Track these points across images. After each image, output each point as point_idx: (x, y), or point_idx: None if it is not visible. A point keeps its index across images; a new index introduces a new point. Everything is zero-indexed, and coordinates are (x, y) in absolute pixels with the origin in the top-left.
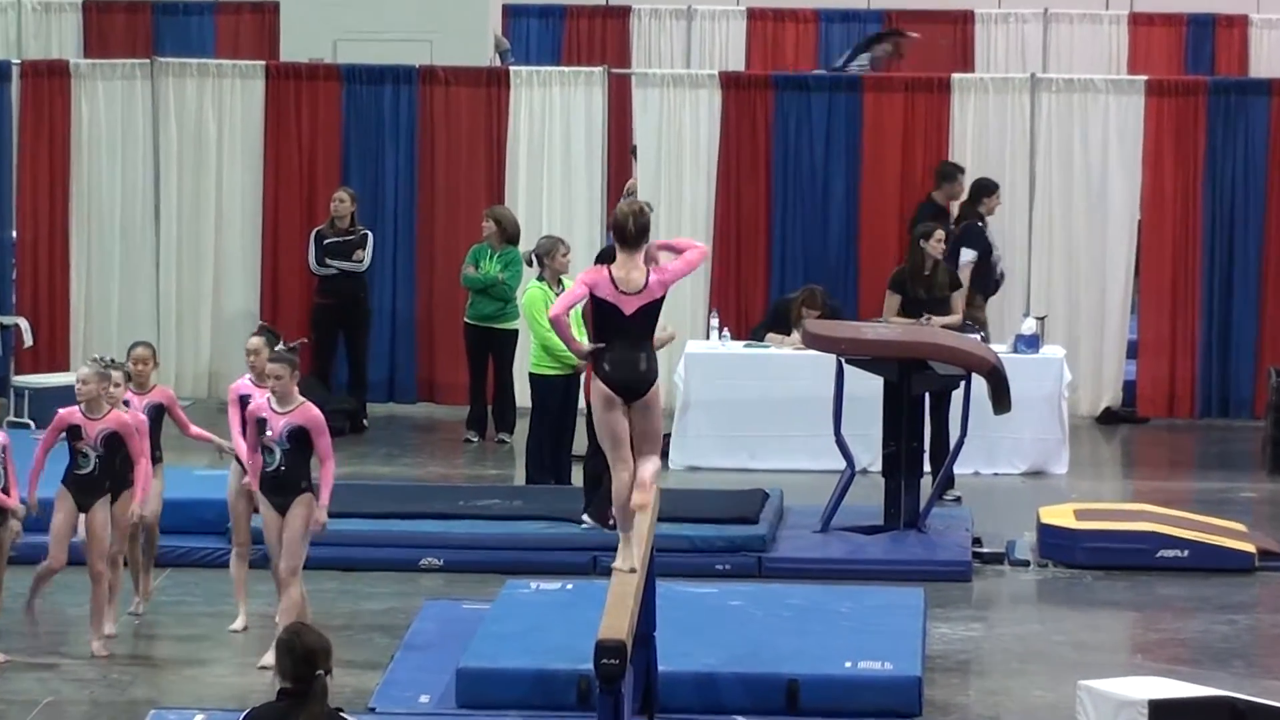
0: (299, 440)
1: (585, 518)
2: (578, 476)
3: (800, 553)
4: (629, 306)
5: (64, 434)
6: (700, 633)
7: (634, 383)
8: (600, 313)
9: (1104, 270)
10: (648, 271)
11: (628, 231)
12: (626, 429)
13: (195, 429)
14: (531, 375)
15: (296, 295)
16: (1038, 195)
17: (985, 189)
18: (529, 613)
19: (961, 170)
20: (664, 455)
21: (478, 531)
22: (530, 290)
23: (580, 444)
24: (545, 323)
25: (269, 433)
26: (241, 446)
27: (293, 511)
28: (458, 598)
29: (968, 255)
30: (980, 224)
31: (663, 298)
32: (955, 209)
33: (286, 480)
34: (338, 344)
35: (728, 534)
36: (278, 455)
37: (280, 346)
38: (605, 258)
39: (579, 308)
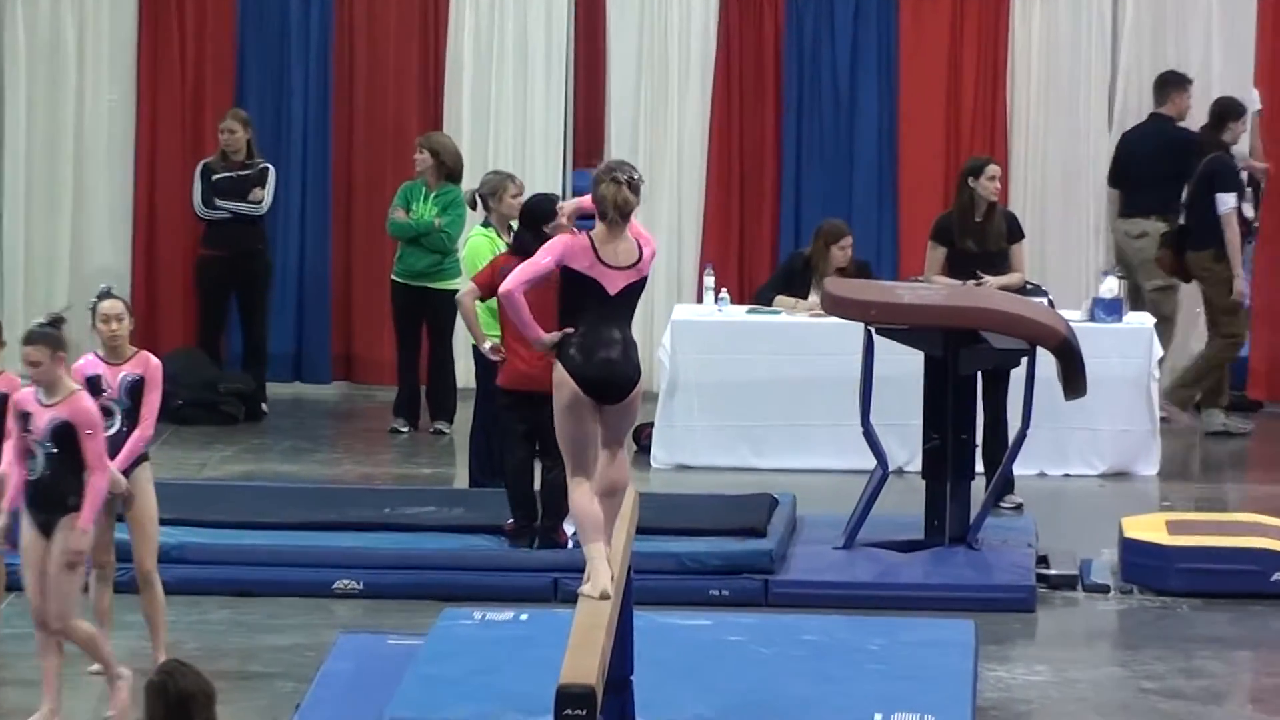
0: (66, 441)
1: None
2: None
3: (818, 574)
4: (614, 284)
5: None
6: (691, 676)
7: (614, 381)
8: (573, 290)
9: None
10: (638, 243)
11: (610, 216)
12: (596, 435)
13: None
14: (476, 349)
15: (178, 246)
16: (1117, 118)
17: (1232, 111)
18: (472, 650)
19: (1189, 80)
20: (646, 450)
21: (407, 547)
22: (473, 239)
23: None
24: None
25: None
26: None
27: (57, 537)
28: (381, 630)
29: (1227, 201)
30: (1230, 156)
31: (647, 278)
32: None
33: (51, 493)
34: (230, 308)
35: (726, 550)
36: (40, 459)
37: (39, 321)
38: (520, 246)
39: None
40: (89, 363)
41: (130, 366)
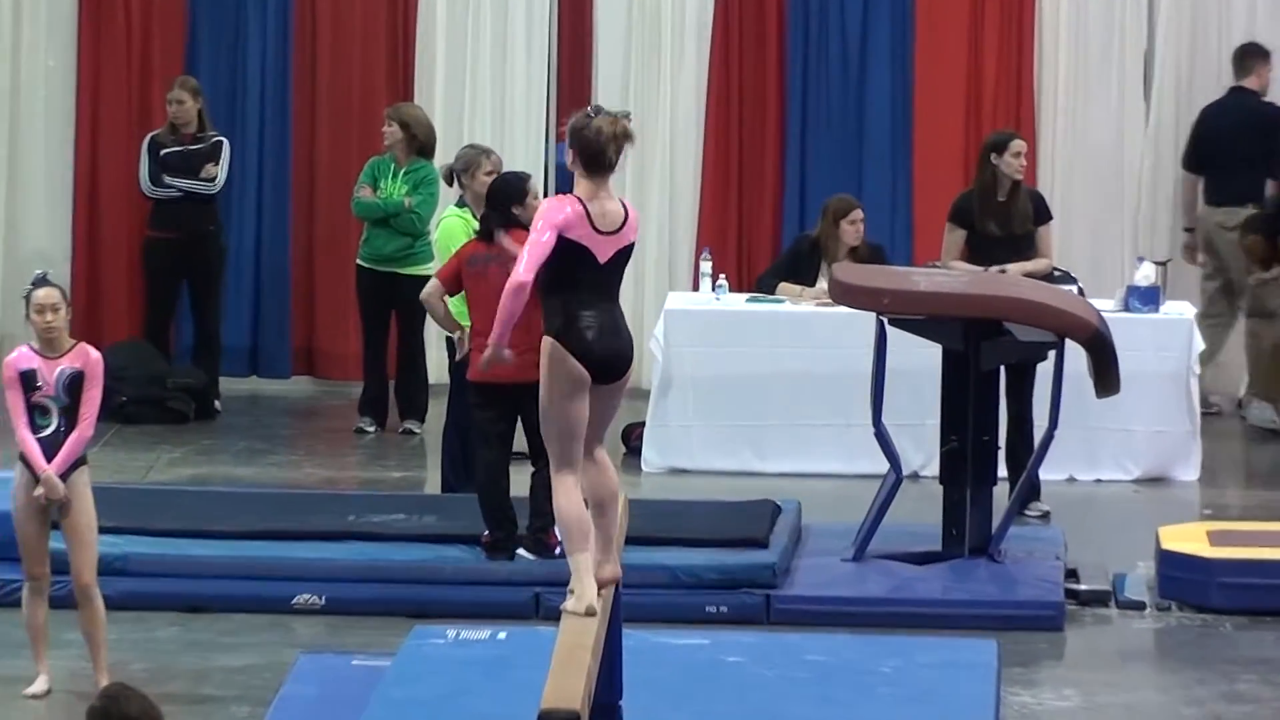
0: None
1: (521, 551)
2: (522, 484)
3: (825, 589)
4: (604, 251)
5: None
6: (686, 701)
7: (618, 356)
8: (563, 261)
9: None
10: (623, 203)
11: (606, 159)
12: (586, 422)
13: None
14: (450, 340)
15: (122, 227)
16: (1155, 86)
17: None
18: (444, 671)
19: (1268, 51)
20: (636, 452)
21: (374, 558)
22: (446, 220)
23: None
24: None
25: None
26: (29, 442)
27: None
28: (345, 650)
29: None
30: None
31: (634, 244)
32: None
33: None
34: (179, 295)
35: (724, 563)
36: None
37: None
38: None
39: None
40: (22, 356)
41: (68, 360)
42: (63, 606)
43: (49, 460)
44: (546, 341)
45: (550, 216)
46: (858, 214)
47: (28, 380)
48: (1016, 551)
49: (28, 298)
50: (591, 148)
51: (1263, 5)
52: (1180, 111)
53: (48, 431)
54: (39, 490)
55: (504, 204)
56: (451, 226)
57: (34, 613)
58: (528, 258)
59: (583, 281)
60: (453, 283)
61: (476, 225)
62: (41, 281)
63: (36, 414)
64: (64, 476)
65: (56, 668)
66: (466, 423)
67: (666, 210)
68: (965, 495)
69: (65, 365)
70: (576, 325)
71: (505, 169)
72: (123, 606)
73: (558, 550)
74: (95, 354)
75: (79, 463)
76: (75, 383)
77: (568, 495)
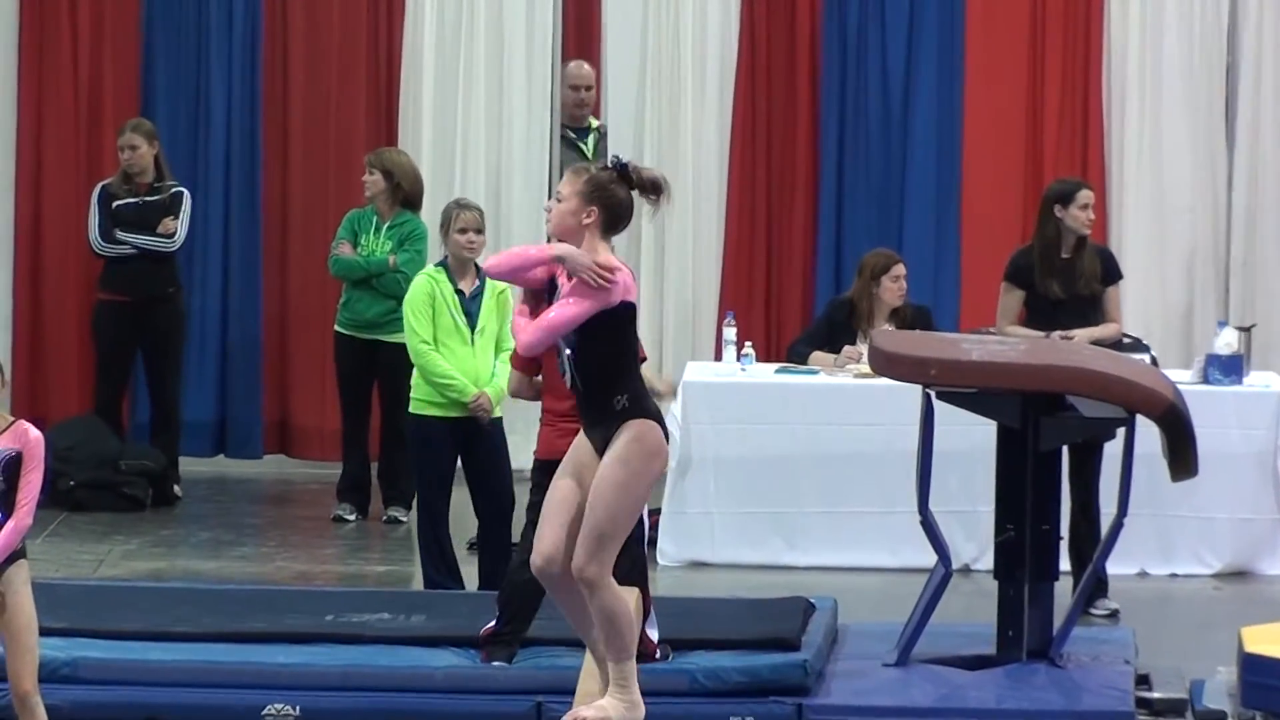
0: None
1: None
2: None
3: (864, 698)
4: None
5: None
6: None
7: None
8: (632, 328)
9: None
10: None
11: (627, 224)
12: None
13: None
14: (411, 417)
15: (69, 288)
16: (1240, 130)
17: None
18: None
19: None
20: (652, 543)
21: (355, 663)
22: (415, 281)
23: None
24: (421, 332)
25: None
26: None
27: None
28: None
29: None
30: None
31: None
32: None
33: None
34: (135, 366)
35: (751, 666)
36: None
37: None
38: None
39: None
40: None
41: (4, 441)
42: (1, 717)
43: None
44: (647, 425)
45: (625, 278)
46: (899, 269)
47: None
48: (1081, 655)
49: None
50: (620, 209)
51: None
52: (1265, 154)
53: None
54: None
55: None
56: (415, 290)
57: None
58: (574, 315)
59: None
60: (529, 362)
61: (445, 287)
62: None
63: None
64: None
65: None
66: (440, 509)
67: (687, 270)
68: (1023, 591)
69: (1, 446)
70: (656, 407)
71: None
72: (73, 718)
73: (669, 657)
74: (35, 433)
75: (16, 556)
76: (12, 466)
77: (621, 596)
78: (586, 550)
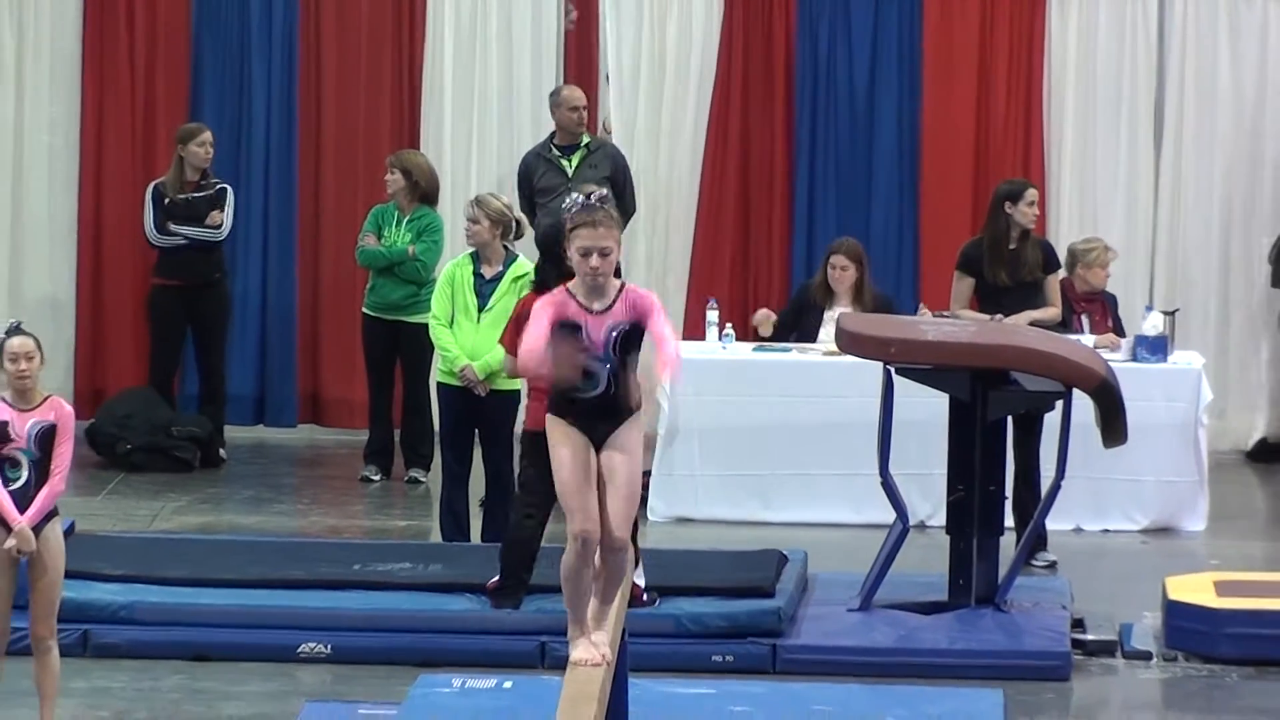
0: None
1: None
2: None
3: (831, 639)
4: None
5: None
6: None
7: None
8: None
9: (1258, 242)
10: None
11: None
12: None
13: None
14: (439, 386)
15: (127, 275)
16: (1167, 133)
17: None
18: None
19: None
20: (643, 502)
21: (379, 607)
22: (445, 267)
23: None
24: (436, 309)
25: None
26: (1, 494)
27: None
28: (351, 699)
29: None
30: None
31: None
32: None
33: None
34: (185, 343)
35: (730, 612)
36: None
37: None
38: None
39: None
40: None
41: (40, 413)
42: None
43: (21, 513)
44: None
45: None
46: (849, 271)
47: None
48: (1023, 601)
49: (1, 346)
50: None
51: (1275, 38)
52: (1191, 154)
53: (18, 484)
54: (10, 542)
55: (557, 252)
56: (442, 274)
57: None
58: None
59: None
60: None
61: (468, 272)
62: (15, 330)
63: (6, 466)
64: (35, 530)
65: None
66: (460, 470)
67: (667, 261)
68: (972, 545)
69: (37, 419)
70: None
71: (506, 218)
72: (128, 655)
73: (656, 601)
74: (67, 408)
75: (50, 515)
76: (47, 437)
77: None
78: (627, 519)
